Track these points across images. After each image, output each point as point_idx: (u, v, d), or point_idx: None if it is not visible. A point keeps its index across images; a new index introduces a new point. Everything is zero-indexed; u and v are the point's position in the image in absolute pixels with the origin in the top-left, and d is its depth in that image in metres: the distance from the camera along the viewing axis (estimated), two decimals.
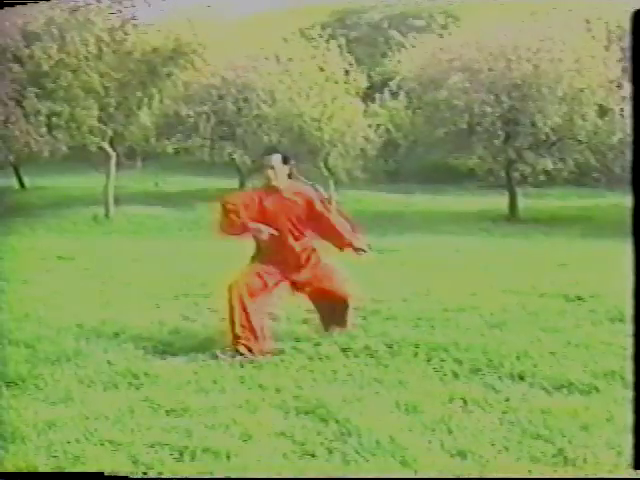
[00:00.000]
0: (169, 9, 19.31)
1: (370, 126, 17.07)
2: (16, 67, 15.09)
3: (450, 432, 4.13)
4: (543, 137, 17.66)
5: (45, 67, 15.83)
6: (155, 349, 5.70)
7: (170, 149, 20.82)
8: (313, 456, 3.89)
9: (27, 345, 6.04)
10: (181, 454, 3.94)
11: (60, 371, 5.27)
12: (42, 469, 3.82)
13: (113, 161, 18.11)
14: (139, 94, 18.67)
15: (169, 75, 18.54)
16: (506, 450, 3.92)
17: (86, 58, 16.44)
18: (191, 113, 19.14)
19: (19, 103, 15.41)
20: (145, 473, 3.76)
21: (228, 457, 3.86)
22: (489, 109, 16.69)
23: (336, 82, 15.97)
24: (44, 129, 16.05)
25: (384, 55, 24.14)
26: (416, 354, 5.53)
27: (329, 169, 15.80)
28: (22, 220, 16.93)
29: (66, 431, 4.24)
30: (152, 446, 4.03)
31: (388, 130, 19.06)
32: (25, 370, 5.30)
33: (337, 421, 4.26)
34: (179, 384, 4.99)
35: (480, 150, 17.67)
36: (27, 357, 5.69)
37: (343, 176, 16.47)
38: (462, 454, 3.86)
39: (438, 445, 3.96)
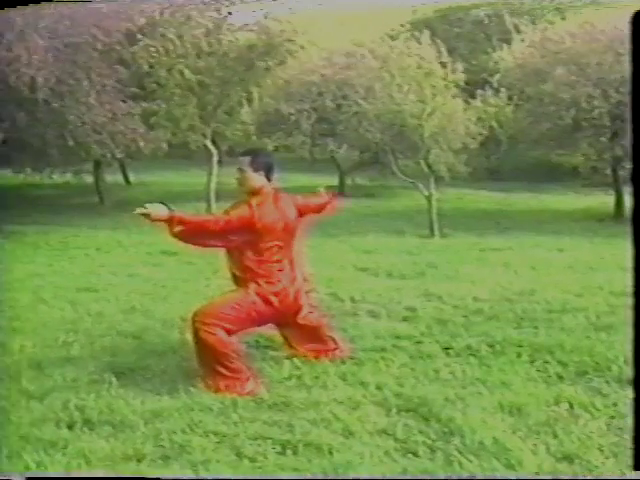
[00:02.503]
0: (266, 6, 19.46)
1: (471, 122, 16.80)
2: (119, 67, 15.49)
3: (555, 436, 4.04)
4: None
5: (146, 67, 16.22)
6: (257, 344, 5.75)
7: (271, 146, 20.99)
8: (415, 455, 3.87)
9: (134, 337, 6.23)
10: (284, 448, 3.98)
11: (166, 363, 5.41)
12: (149, 457, 3.93)
13: (214, 158, 18.39)
14: (238, 92, 18.90)
15: (267, 70, 18.67)
16: (614, 456, 3.81)
17: (185, 57, 16.75)
18: (292, 110, 19.28)
19: (124, 102, 15.79)
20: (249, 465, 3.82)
21: (330, 452, 3.89)
22: (596, 104, 16.20)
23: (436, 78, 15.79)
24: (147, 127, 16.41)
25: (486, 51, 23.81)
26: (519, 355, 5.43)
27: (429, 166, 15.62)
28: (128, 215, 17.36)
29: (172, 421, 4.35)
30: (255, 439, 4.09)
31: (490, 126, 18.74)
32: (133, 361, 5.46)
33: (440, 420, 4.23)
34: (281, 379, 5.04)
35: (585, 147, 17.16)
36: (135, 348, 5.87)
37: (444, 173, 16.26)
38: (569, 459, 3.78)
39: (543, 449, 3.88)
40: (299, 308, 5.28)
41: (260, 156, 5.26)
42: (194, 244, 5.11)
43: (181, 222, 4.85)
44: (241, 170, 5.14)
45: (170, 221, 4.82)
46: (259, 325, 5.24)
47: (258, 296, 4.99)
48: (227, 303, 4.99)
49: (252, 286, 5.01)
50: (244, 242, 4.99)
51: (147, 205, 4.76)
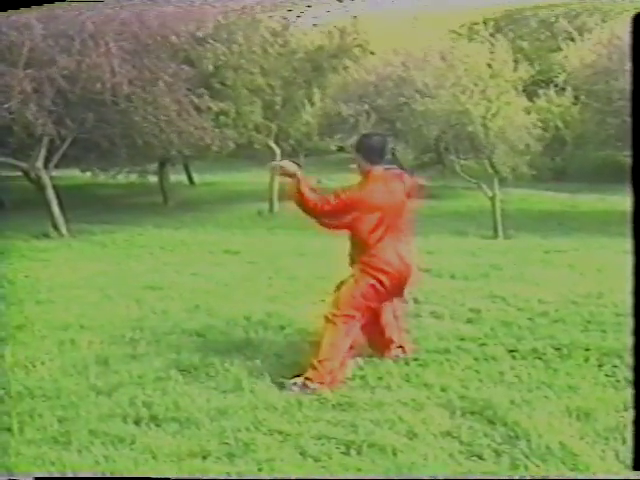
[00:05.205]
0: (334, 8, 19.47)
1: (535, 122, 16.56)
2: (187, 67, 15.66)
3: (624, 442, 3.95)
4: None
5: (213, 67, 16.36)
6: None
7: (333, 146, 21.02)
8: (480, 458, 3.83)
9: (198, 334, 6.29)
10: (347, 448, 3.98)
11: (230, 361, 5.44)
12: (214, 455, 3.97)
13: (278, 158, 18.48)
14: (303, 92, 18.97)
15: (334, 71, 18.68)
16: None
17: (252, 58, 16.86)
18: (351, 112, 19.25)
19: (191, 101, 15.94)
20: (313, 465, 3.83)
21: (394, 454, 3.87)
22: None
23: (502, 78, 15.60)
24: (213, 126, 16.55)
25: (552, 50, 23.46)
26: (587, 359, 5.33)
27: (493, 166, 15.44)
28: (191, 215, 17.60)
29: (236, 419, 4.38)
30: (319, 439, 4.09)
31: (556, 126, 18.48)
32: (197, 359, 5.51)
33: (505, 424, 4.17)
34: (344, 378, 5.03)
35: None
36: (199, 346, 5.92)
37: (507, 174, 16.06)
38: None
39: (612, 455, 3.80)
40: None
41: (363, 139, 5.38)
42: (310, 216, 5.20)
43: (299, 191, 5.03)
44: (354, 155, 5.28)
45: (295, 179, 5.04)
46: (377, 305, 5.25)
47: (371, 276, 5.06)
48: (353, 290, 5.07)
49: (367, 268, 5.08)
50: (357, 222, 5.07)
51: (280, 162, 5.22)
